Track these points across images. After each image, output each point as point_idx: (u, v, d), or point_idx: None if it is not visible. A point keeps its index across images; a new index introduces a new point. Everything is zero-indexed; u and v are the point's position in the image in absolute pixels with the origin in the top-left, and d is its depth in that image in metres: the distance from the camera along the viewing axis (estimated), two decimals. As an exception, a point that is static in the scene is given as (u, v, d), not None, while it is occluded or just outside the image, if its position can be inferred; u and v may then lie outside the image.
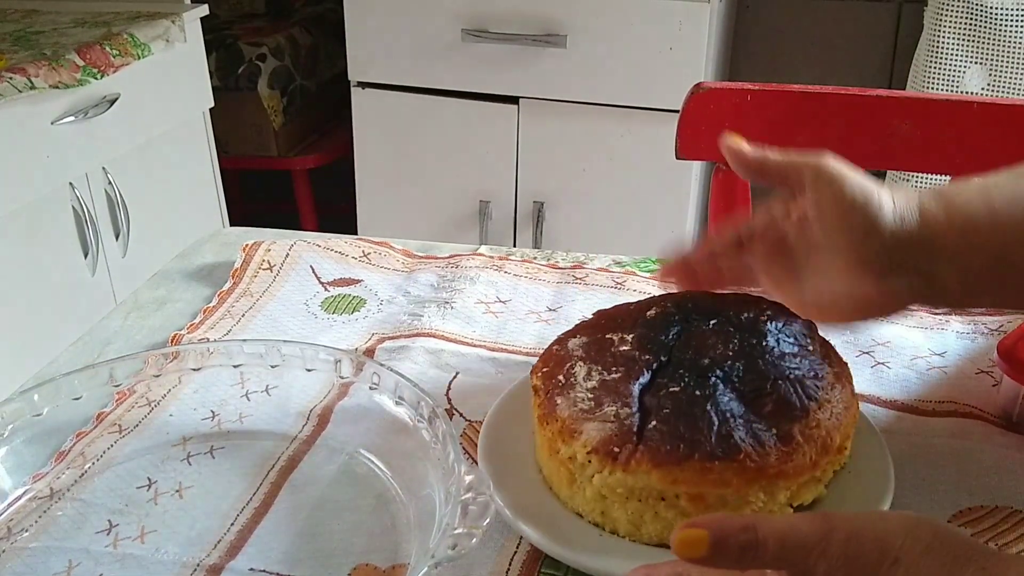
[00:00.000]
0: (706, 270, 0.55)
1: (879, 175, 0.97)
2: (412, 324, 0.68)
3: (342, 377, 0.56)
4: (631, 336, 0.52)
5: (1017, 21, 1.59)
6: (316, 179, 2.36)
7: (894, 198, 0.46)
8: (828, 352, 0.52)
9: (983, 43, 1.62)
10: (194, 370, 0.57)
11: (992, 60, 1.62)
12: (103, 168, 1.50)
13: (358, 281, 0.75)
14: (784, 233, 0.50)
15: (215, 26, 2.18)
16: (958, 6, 1.62)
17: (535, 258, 0.79)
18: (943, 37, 1.64)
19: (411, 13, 1.82)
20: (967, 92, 1.65)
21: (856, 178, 0.46)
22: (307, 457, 0.54)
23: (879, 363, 0.63)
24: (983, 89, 1.65)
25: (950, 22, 1.63)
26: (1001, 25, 1.60)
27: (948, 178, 0.98)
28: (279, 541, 0.48)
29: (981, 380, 0.60)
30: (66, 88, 1.36)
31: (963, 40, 1.63)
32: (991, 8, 1.59)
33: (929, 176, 1.64)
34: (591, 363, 0.50)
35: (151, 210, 1.63)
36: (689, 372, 0.48)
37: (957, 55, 1.64)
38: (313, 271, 0.76)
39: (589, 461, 0.46)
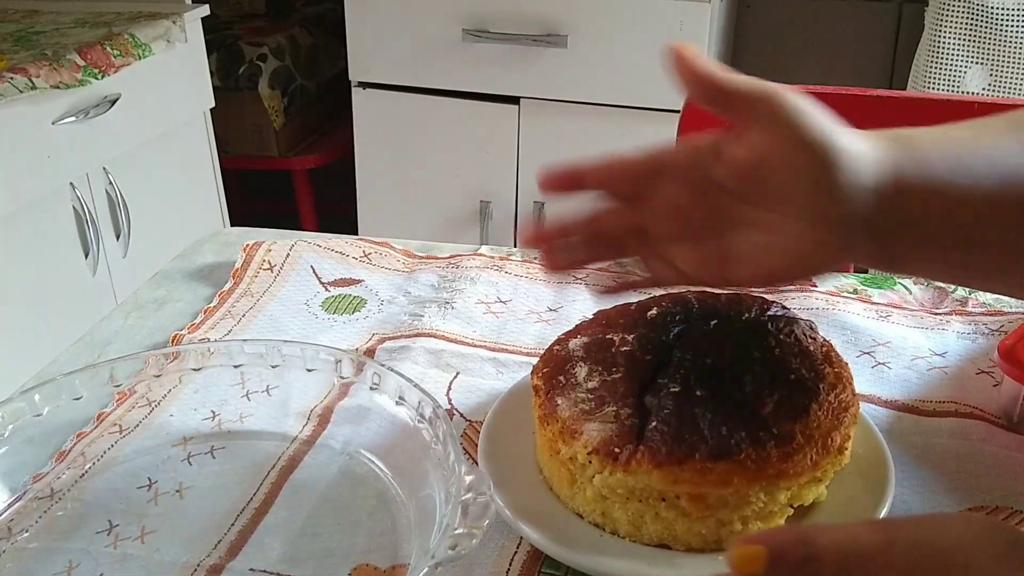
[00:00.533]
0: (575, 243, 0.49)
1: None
2: (413, 324, 0.68)
3: (343, 377, 0.56)
4: (632, 336, 0.52)
5: (1017, 21, 1.59)
6: (316, 179, 2.36)
7: (858, 147, 0.41)
8: (828, 352, 0.52)
9: (984, 43, 1.62)
10: (195, 370, 0.57)
11: (993, 60, 1.62)
12: (104, 168, 1.50)
13: (359, 281, 0.75)
14: (711, 174, 0.45)
15: (216, 26, 2.18)
16: (959, 6, 1.61)
17: (536, 258, 0.79)
18: (944, 37, 1.64)
19: (411, 13, 1.82)
20: (968, 92, 1.65)
21: (816, 118, 0.41)
22: (307, 457, 0.54)
23: (880, 363, 0.63)
24: (984, 89, 1.65)
25: (951, 22, 1.63)
26: (1001, 25, 1.60)
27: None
28: (279, 541, 0.48)
29: (982, 380, 0.60)
30: (67, 88, 1.36)
31: (964, 40, 1.63)
32: (992, 8, 1.59)
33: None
34: (592, 363, 0.50)
35: (152, 210, 1.63)
36: (690, 372, 0.48)
37: (958, 55, 1.64)
38: (314, 271, 0.76)
39: (590, 461, 0.46)
